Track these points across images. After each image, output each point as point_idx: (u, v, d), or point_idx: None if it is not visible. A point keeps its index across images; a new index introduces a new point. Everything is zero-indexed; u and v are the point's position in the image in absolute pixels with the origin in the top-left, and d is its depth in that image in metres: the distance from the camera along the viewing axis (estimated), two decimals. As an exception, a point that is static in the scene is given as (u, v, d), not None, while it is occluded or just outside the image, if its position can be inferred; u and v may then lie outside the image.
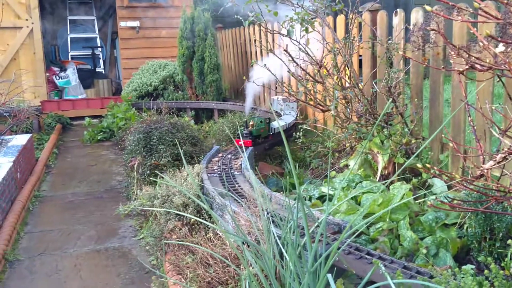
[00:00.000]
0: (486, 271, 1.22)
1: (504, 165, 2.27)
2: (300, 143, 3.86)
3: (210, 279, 2.02)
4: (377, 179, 3.14)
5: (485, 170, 2.22)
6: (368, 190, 2.86)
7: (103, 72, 9.59)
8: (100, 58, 9.63)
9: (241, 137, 3.67)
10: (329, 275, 1.33)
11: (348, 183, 3.06)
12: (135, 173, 3.62)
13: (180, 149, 1.66)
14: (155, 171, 3.49)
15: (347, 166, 3.44)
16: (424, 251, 2.24)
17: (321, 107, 3.37)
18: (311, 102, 3.43)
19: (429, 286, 1.22)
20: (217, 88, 6.10)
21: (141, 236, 2.91)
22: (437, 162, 3.13)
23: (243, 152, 3.41)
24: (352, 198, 2.85)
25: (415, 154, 1.92)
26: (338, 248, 2.03)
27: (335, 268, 1.82)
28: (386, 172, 3.19)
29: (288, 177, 3.70)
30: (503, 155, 2.15)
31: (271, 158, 4.23)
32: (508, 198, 1.97)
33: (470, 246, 2.29)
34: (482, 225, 2.19)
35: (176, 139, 3.67)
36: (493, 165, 2.21)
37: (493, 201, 2.02)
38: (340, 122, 3.41)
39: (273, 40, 5.13)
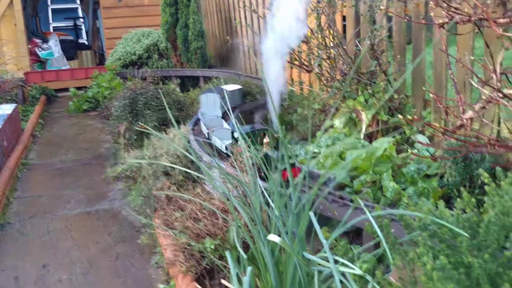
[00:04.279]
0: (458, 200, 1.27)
1: (484, 114, 2.34)
2: (286, 106, 3.90)
3: (199, 231, 2.07)
4: (362, 137, 3.19)
5: (465, 120, 2.29)
6: (352, 146, 2.91)
7: (86, 43, 9.46)
8: (82, 29, 9.48)
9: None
10: (311, 213, 1.38)
11: (333, 141, 3.12)
12: (122, 138, 3.64)
13: (168, 110, 1.66)
14: (142, 135, 3.51)
15: (332, 126, 3.49)
16: (406, 200, 2.31)
17: (305, 68, 3.39)
18: (296, 62, 3.45)
19: (406, 215, 1.28)
20: (202, 56, 6.07)
21: (130, 198, 2.95)
22: (420, 119, 3.19)
23: (230, 114, 3.40)
24: (337, 155, 2.91)
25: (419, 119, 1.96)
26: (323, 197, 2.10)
27: (320, 217, 1.88)
28: (371, 129, 3.24)
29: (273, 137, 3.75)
30: (481, 105, 2.21)
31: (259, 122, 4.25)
32: (486, 145, 2.04)
33: (451, 195, 2.37)
34: (462, 174, 2.26)
35: (162, 104, 3.68)
36: (473, 115, 2.27)
37: (472, 149, 2.09)
38: (324, 82, 3.43)
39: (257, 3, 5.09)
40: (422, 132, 2.99)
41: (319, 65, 3.10)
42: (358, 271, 1.14)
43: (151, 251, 2.30)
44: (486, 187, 1.11)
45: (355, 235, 2.25)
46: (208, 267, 1.95)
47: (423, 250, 0.97)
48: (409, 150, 2.73)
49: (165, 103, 1.85)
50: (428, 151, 2.57)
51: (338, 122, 3.35)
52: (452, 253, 1.04)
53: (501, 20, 1.95)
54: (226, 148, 2.69)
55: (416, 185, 2.42)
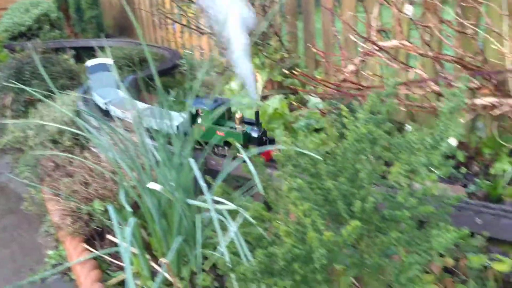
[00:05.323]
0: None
1: (363, 67, 2.48)
2: (184, 71, 3.86)
3: (88, 194, 2.02)
4: (258, 97, 3.26)
5: (347, 74, 2.41)
6: (247, 106, 2.97)
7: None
8: (-37, 0, 8.61)
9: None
10: (191, 160, 1.40)
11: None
12: (9, 110, 3.40)
13: (47, 77, 1.55)
14: (30, 106, 3.31)
15: (230, 89, 3.52)
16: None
17: (199, 31, 3.37)
18: (191, 26, 3.42)
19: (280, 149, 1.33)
20: (98, 25, 5.79)
21: (18, 170, 2.79)
22: (312, 79, 3.31)
23: (122, 82, 3.24)
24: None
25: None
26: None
27: (212, 171, 1.92)
28: (266, 90, 3.32)
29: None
30: (360, 58, 2.33)
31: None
32: (363, 94, 2.17)
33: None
34: (344, 124, 2.40)
35: (50, 73, 3.48)
36: (353, 68, 2.40)
37: (351, 98, 2.21)
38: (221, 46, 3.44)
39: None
40: (315, 92, 3.11)
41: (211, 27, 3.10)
42: (231, 206, 1.18)
43: (40, 220, 2.21)
44: (344, 120, 1.19)
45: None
46: (98, 228, 1.91)
47: (282, 174, 1.02)
48: (294, 103, 2.81)
49: (42, 70, 1.68)
50: (317, 107, 2.69)
51: (235, 85, 3.38)
52: (314, 181, 1.10)
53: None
54: (178, 128, 2.34)
55: (306, 138, 2.53)
